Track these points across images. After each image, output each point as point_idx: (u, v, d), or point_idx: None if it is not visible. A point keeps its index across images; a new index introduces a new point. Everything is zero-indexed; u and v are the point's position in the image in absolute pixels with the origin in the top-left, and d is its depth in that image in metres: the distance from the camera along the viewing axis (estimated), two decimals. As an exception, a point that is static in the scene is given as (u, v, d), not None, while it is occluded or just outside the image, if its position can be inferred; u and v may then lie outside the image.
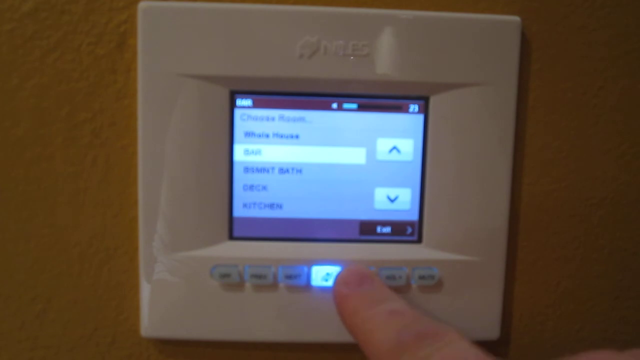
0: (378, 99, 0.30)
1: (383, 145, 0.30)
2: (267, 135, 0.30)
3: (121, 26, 0.29)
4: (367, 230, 0.31)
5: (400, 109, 0.30)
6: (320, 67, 0.29)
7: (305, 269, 0.30)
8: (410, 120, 0.30)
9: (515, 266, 0.33)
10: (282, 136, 0.30)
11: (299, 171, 0.30)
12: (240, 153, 0.30)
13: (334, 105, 0.30)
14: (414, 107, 0.30)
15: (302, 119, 0.30)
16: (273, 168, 0.30)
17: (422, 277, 0.30)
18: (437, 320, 0.23)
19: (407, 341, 0.22)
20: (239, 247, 0.30)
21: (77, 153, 0.30)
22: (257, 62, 0.28)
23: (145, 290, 0.30)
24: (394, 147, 0.30)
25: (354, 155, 0.30)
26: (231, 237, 0.30)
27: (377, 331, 0.23)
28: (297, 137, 0.30)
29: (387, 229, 0.31)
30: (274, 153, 0.30)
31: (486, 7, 0.30)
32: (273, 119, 0.30)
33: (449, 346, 0.21)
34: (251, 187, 0.30)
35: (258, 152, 0.30)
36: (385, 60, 0.29)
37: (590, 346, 0.34)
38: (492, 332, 0.32)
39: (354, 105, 0.30)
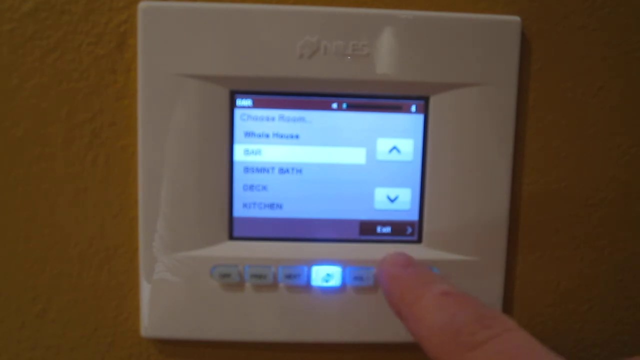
0: (378, 99, 0.30)
1: (383, 145, 0.30)
2: (267, 135, 0.30)
3: (121, 26, 0.29)
4: (367, 230, 0.31)
5: (400, 109, 0.30)
6: (320, 67, 0.29)
7: (305, 269, 0.30)
8: (410, 120, 0.30)
9: (515, 266, 0.33)
10: (282, 136, 0.30)
11: (299, 171, 0.30)
12: (240, 153, 0.30)
13: (334, 105, 0.30)
14: (414, 107, 0.30)
15: (302, 119, 0.30)
16: (273, 168, 0.30)
17: (422, 277, 0.30)
18: (493, 308, 0.22)
19: (462, 324, 0.21)
20: (239, 247, 0.30)
21: (77, 153, 0.30)
22: (257, 62, 0.28)
23: (145, 290, 0.30)
24: (394, 147, 0.30)
25: (354, 155, 0.30)
26: (231, 237, 0.30)
27: (430, 311, 0.22)
28: (297, 137, 0.30)
29: (387, 229, 0.31)
30: (274, 153, 0.30)
31: (486, 7, 0.30)
32: (273, 119, 0.30)
33: (507, 334, 0.20)
34: (251, 187, 0.30)
35: (258, 152, 0.30)
36: (385, 60, 0.29)
37: (591, 346, 0.34)
38: (492, 332, 0.32)
39: (354, 105, 0.30)
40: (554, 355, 0.19)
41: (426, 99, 0.30)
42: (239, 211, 0.30)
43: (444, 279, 0.25)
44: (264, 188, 0.30)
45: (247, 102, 0.30)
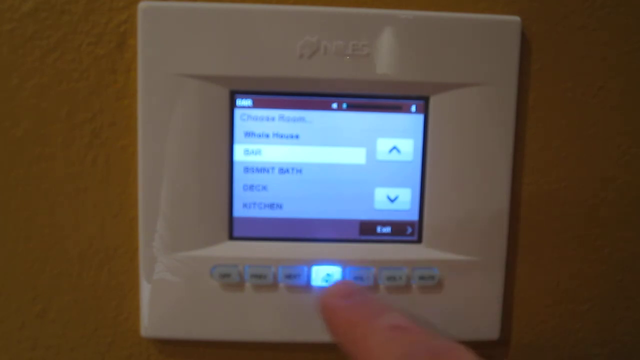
0: (378, 99, 0.30)
1: (383, 145, 0.30)
2: (267, 135, 0.30)
3: (121, 26, 0.29)
4: (367, 230, 0.31)
5: (400, 109, 0.30)
6: (320, 67, 0.29)
7: (305, 269, 0.30)
8: (410, 120, 0.30)
9: (515, 266, 0.33)
10: (282, 136, 0.30)
11: (299, 171, 0.30)
12: (240, 153, 0.30)
13: (334, 105, 0.30)
14: (414, 107, 0.30)
15: (302, 119, 0.30)
16: (273, 168, 0.30)
17: (422, 277, 0.30)
18: (441, 335, 0.21)
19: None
20: (239, 247, 0.30)
21: (77, 153, 0.30)
22: (257, 62, 0.28)
23: (145, 290, 0.30)
24: (394, 147, 0.30)
25: (354, 155, 0.30)
26: (231, 237, 0.30)
27: (379, 348, 0.21)
28: (297, 137, 0.30)
29: (387, 229, 0.31)
30: (274, 153, 0.30)
31: (486, 7, 0.30)
32: (273, 119, 0.30)
33: None
34: (251, 187, 0.30)
35: (258, 152, 0.30)
36: (385, 60, 0.29)
37: (590, 346, 0.34)
38: (492, 332, 0.32)
39: (354, 105, 0.30)
40: None
41: (426, 99, 0.30)
42: (239, 211, 0.30)
43: (391, 309, 0.23)
44: (264, 188, 0.30)
45: (247, 102, 0.30)
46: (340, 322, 0.23)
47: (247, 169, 0.30)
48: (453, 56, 0.29)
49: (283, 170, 0.30)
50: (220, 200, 0.30)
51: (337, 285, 0.25)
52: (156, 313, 0.30)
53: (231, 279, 0.30)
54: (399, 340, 0.21)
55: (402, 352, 0.20)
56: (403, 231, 0.31)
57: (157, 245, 0.30)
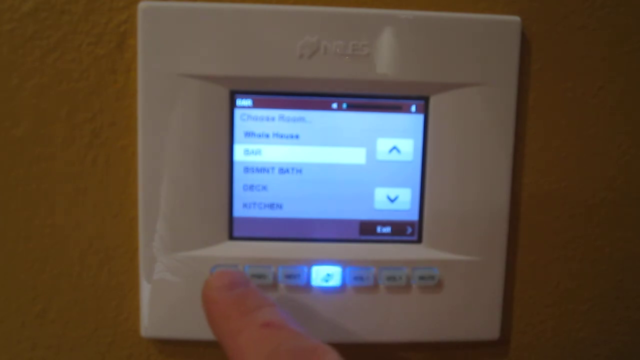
0: (378, 99, 0.30)
1: (383, 145, 0.30)
2: (267, 135, 0.30)
3: (121, 26, 0.29)
4: (367, 230, 0.31)
5: (400, 109, 0.30)
6: (320, 67, 0.29)
7: (305, 269, 0.30)
8: (410, 120, 0.30)
9: (515, 266, 0.33)
10: (282, 136, 0.30)
11: (299, 171, 0.30)
12: (240, 153, 0.30)
13: (334, 105, 0.30)
14: (414, 107, 0.30)
15: (302, 119, 0.30)
16: (273, 168, 0.30)
17: (422, 277, 0.30)
18: (312, 337, 0.21)
19: (282, 358, 0.20)
20: (239, 247, 0.30)
21: (77, 153, 0.30)
22: (257, 62, 0.28)
23: (145, 290, 0.30)
24: (394, 147, 0.30)
25: (354, 155, 0.30)
26: (231, 237, 0.30)
27: (248, 346, 0.21)
28: (297, 137, 0.30)
29: (387, 229, 0.31)
30: (274, 153, 0.30)
31: (486, 7, 0.30)
32: (273, 119, 0.30)
33: None
34: (251, 187, 0.30)
35: (258, 152, 0.30)
36: (385, 60, 0.29)
37: (590, 346, 0.34)
38: (492, 332, 0.32)
39: (354, 105, 0.30)
40: None
41: (426, 99, 0.30)
42: (239, 211, 0.30)
43: (269, 303, 0.23)
44: (264, 188, 0.30)
45: (247, 102, 0.30)
46: (216, 314, 0.23)
47: (247, 169, 0.30)
48: (453, 56, 0.29)
49: (283, 170, 0.30)
50: (220, 200, 0.30)
51: (219, 275, 0.25)
52: (156, 313, 0.30)
53: (231, 279, 0.30)
54: (268, 339, 0.21)
55: (270, 350, 0.20)
56: (403, 231, 0.31)
57: (157, 245, 0.30)
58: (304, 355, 0.20)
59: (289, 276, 0.30)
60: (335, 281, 0.30)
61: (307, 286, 0.30)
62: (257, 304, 0.23)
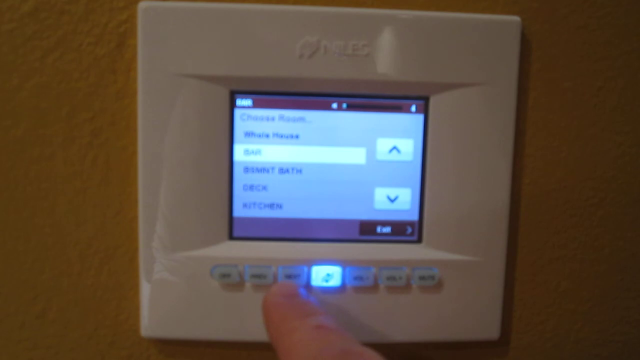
0: (378, 99, 0.30)
1: (383, 145, 0.30)
2: (267, 135, 0.30)
3: (121, 26, 0.29)
4: (367, 230, 0.31)
5: (400, 109, 0.30)
6: (320, 67, 0.29)
7: (305, 269, 0.30)
8: (410, 120, 0.30)
9: (515, 266, 0.33)
10: (282, 136, 0.30)
11: (299, 171, 0.30)
12: (240, 153, 0.30)
13: (334, 105, 0.30)
14: (414, 107, 0.30)
15: (302, 119, 0.30)
16: (273, 168, 0.30)
17: (422, 277, 0.30)
18: (362, 345, 0.23)
19: (329, 357, 0.21)
20: (239, 247, 0.30)
21: (77, 153, 0.30)
22: (257, 62, 0.28)
23: (145, 290, 0.30)
24: (394, 147, 0.30)
25: (354, 155, 0.30)
26: (231, 237, 0.30)
27: (300, 344, 0.23)
28: (297, 137, 0.30)
29: (387, 229, 0.31)
30: (274, 153, 0.30)
31: (486, 7, 0.30)
32: (273, 119, 0.30)
33: None
34: (251, 187, 0.30)
35: (258, 152, 0.30)
36: (385, 60, 0.29)
37: (591, 346, 0.34)
38: (492, 332, 0.32)
39: (354, 105, 0.30)
40: None
41: (426, 99, 0.30)
42: (239, 211, 0.30)
43: (324, 313, 0.25)
44: (264, 188, 0.30)
45: (247, 102, 0.30)
46: (274, 317, 0.25)
47: (247, 169, 0.30)
48: (453, 56, 0.29)
49: (283, 170, 0.30)
50: (220, 200, 0.30)
51: (283, 284, 0.27)
52: (156, 313, 0.30)
53: (231, 279, 0.30)
54: (319, 339, 0.23)
55: (318, 349, 0.22)
56: (403, 231, 0.31)
57: (157, 245, 0.30)
58: (350, 355, 0.21)
59: (289, 276, 0.30)
60: (335, 281, 0.30)
61: (307, 286, 0.30)
62: (312, 311, 0.25)
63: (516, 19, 0.29)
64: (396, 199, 0.31)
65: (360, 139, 0.30)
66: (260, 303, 0.30)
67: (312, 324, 0.24)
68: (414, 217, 0.31)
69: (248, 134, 0.30)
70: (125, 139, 0.30)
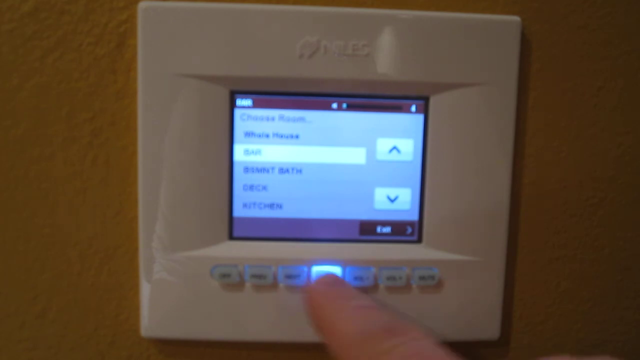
0: (378, 99, 0.30)
1: (383, 145, 0.30)
2: (267, 135, 0.30)
3: (121, 26, 0.29)
4: (367, 230, 0.31)
5: (400, 109, 0.30)
6: (320, 67, 0.29)
7: (305, 269, 0.30)
8: (410, 120, 0.30)
9: (515, 266, 0.33)
10: (282, 136, 0.30)
11: (299, 171, 0.30)
12: (240, 153, 0.30)
13: (334, 105, 0.30)
14: (414, 107, 0.30)
15: (302, 119, 0.30)
16: (273, 168, 0.30)
17: (422, 277, 0.30)
18: (406, 318, 0.24)
19: (373, 333, 0.22)
20: (239, 247, 0.30)
21: (77, 153, 0.30)
22: (257, 62, 0.28)
23: (145, 290, 0.30)
24: (394, 147, 0.30)
25: (354, 155, 0.30)
26: (231, 237, 0.30)
27: (343, 322, 0.23)
28: (297, 137, 0.30)
29: (387, 229, 0.31)
30: (274, 153, 0.30)
31: (486, 7, 0.30)
32: (273, 119, 0.30)
33: (413, 342, 0.21)
34: (251, 187, 0.30)
35: (258, 152, 0.30)
36: (385, 60, 0.29)
37: (591, 346, 0.34)
38: (492, 332, 0.32)
39: (354, 105, 0.30)
40: (456, 358, 0.20)
41: (426, 99, 0.30)
42: (239, 211, 0.30)
43: (366, 296, 0.26)
44: (264, 188, 0.30)
45: (247, 102, 0.30)
46: (319, 301, 0.26)
47: (247, 169, 0.30)
48: (453, 56, 0.29)
49: (283, 170, 0.30)
50: (220, 200, 0.30)
51: (326, 275, 0.29)
52: (156, 313, 0.30)
53: (231, 279, 0.30)
54: (363, 317, 0.23)
55: (363, 325, 0.23)
56: (403, 231, 0.31)
57: (157, 245, 0.30)
58: (393, 330, 0.22)
59: (289, 276, 0.30)
60: (335, 281, 0.30)
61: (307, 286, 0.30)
62: (355, 294, 0.26)
63: (516, 19, 0.29)
64: (396, 199, 0.31)
65: (360, 139, 0.30)
66: (259, 303, 0.30)
67: (355, 303, 0.25)
68: (414, 217, 0.31)
69: (248, 134, 0.30)
70: (125, 139, 0.30)
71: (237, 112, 0.30)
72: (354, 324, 0.23)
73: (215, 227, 0.30)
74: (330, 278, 0.28)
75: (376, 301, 0.26)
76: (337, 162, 0.30)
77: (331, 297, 0.26)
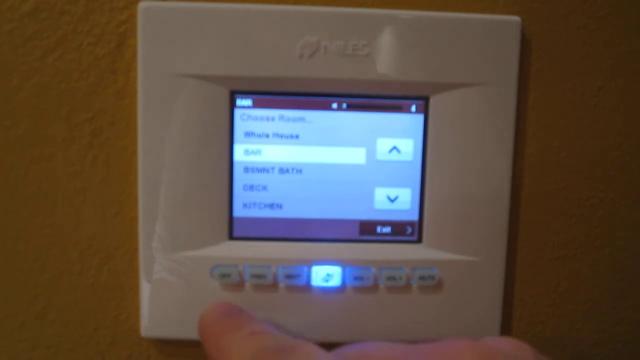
0: (378, 99, 0.30)
1: (383, 145, 0.30)
2: (267, 135, 0.30)
3: (121, 26, 0.29)
4: (367, 230, 0.31)
5: (400, 109, 0.30)
6: (320, 67, 0.29)
7: (305, 269, 0.30)
8: (410, 120, 0.30)
9: (515, 266, 0.33)
10: (282, 136, 0.30)
11: (299, 171, 0.30)
12: (240, 153, 0.30)
13: (334, 105, 0.30)
14: (414, 107, 0.30)
15: (302, 119, 0.30)
16: (273, 168, 0.30)
17: (422, 277, 0.30)
18: (298, 340, 0.23)
19: (265, 356, 0.22)
20: (239, 247, 0.30)
21: (77, 153, 0.30)
22: (257, 62, 0.28)
23: (145, 290, 0.30)
24: (394, 147, 0.30)
25: (354, 155, 0.30)
26: (231, 237, 0.30)
27: (237, 352, 0.23)
28: (297, 137, 0.30)
29: (387, 229, 0.31)
30: (274, 153, 0.30)
31: (486, 7, 0.30)
32: (273, 119, 0.30)
33: (306, 358, 0.21)
34: (251, 187, 0.30)
35: (258, 152, 0.30)
36: (385, 60, 0.29)
37: (591, 346, 0.34)
38: (492, 332, 0.32)
39: (354, 105, 0.30)
40: None
41: (426, 99, 0.30)
42: (239, 211, 0.30)
43: (260, 321, 0.26)
44: (264, 188, 0.30)
45: (247, 102, 0.30)
46: (211, 335, 0.26)
47: (247, 169, 0.30)
48: (453, 56, 0.29)
49: (283, 170, 0.30)
50: (220, 200, 0.30)
51: (218, 304, 0.28)
52: (156, 313, 0.30)
53: (231, 279, 0.30)
54: (254, 343, 0.23)
55: (256, 350, 0.22)
56: (403, 231, 0.31)
57: (157, 245, 0.30)
58: (284, 350, 0.22)
59: (289, 276, 0.30)
60: (335, 281, 0.30)
61: (307, 286, 0.30)
62: (247, 321, 0.26)
63: (516, 19, 0.29)
64: (396, 199, 0.31)
65: (360, 139, 0.30)
66: (260, 303, 0.30)
67: (246, 332, 0.24)
68: (414, 217, 0.31)
69: (248, 134, 0.30)
70: (125, 139, 0.30)
71: (237, 112, 0.30)
72: (247, 352, 0.23)
73: (215, 227, 0.30)
74: (222, 307, 0.28)
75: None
76: (337, 162, 0.30)
77: (224, 329, 0.25)
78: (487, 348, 0.21)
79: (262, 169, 0.30)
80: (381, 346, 0.23)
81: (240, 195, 0.30)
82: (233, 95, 0.29)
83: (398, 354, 0.22)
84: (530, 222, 0.32)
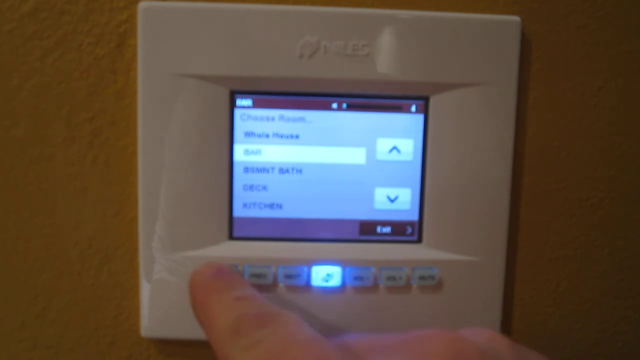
0: (378, 99, 0.30)
1: (383, 145, 0.30)
2: (267, 135, 0.30)
3: (121, 26, 0.29)
4: (367, 230, 0.31)
5: (400, 109, 0.30)
6: (320, 67, 0.29)
7: (305, 269, 0.30)
8: (410, 120, 0.30)
9: (515, 266, 0.33)
10: (282, 136, 0.30)
11: (299, 171, 0.30)
12: (240, 153, 0.30)
13: (334, 105, 0.30)
14: (414, 107, 0.30)
15: (302, 119, 0.30)
16: (273, 168, 0.30)
17: (422, 277, 0.30)
18: (283, 309, 0.23)
19: (245, 323, 0.22)
20: (239, 247, 0.30)
21: (77, 153, 0.30)
22: (257, 62, 0.28)
23: (145, 290, 0.30)
24: (394, 147, 0.30)
25: (354, 155, 0.30)
26: (231, 237, 0.30)
27: (220, 315, 0.23)
28: (297, 137, 0.30)
29: (387, 229, 0.31)
30: (274, 153, 0.30)
31: (486, 7, 0.30)
32: (273, 119, 0.30)
33: (284, 327, 0.21)
34: (251, 187, 0.30)
35: (258, 152, 0.30)
36: (385, 60, 0.29)
37: (591, 346, 0.34)
38: (492, 332, 0.32)
39: (354, 105, 0.30)
40: (325, 341, 0.20)
41: (426, 99, 0.30)
42: (239, 211, 0.30)
43: (247, 286, 0.25)
44: (264, 188, 0.30)
45: (247, 102, 0.30)
46: (199, 296, 0.25)
47: (247, 169, 0.30)
48: (453, 56, 0.29)
49: (283, 170, 0.30)
50: (220, 200, 0.30)
51: (206, 265, 0.27)
52: (156, 313, 0.30)
53: (231, 279, 0.30)
54: (237, 309, 0.23)
55: (237, 315, 0.22)
56: (403, 231, 0.31)
57: (157, 245, 0.30)
58: (264, 318, 0.22)
59: (289, 276, 0.30)
60: (335, 281, 0.30)
61: (307, 286, 0.30)
62: (235, 284, 0.25)
63: (516, 19, 0.29)
64: (396, 199, 0.31)
65: (360, 139, 0.30)
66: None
67: (232, 296, 0.24)
68: (414, 217, 0.31)
69: (248, 134, 0.30)
70: (125, 139, 0.30)
71: (237, 112, 0.30)
72: (230, 315, 0.23)
73: (215, 227, 0.30)
74: (211, 268, 0.26)
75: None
76: (337, 162, 0.30)
77: (211, 290, 0.25)
78: (460, 338, 0.20)
79: (262, 169, 0.30)
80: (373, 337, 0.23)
81: (240, 195, 0.30)
82: (233, 95, 0.29)
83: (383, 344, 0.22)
84: (530, 222, 0.32)
